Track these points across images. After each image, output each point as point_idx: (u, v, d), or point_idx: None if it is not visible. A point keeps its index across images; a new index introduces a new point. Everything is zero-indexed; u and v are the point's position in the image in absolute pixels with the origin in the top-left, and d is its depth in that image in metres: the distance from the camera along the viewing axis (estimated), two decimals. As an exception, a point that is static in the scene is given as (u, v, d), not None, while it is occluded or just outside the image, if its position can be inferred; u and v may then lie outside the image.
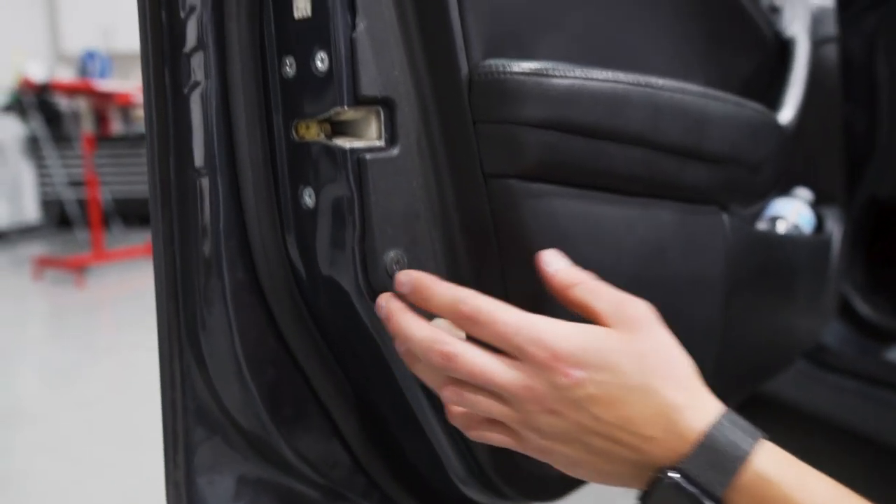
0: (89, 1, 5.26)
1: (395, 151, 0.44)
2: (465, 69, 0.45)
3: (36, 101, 4.36)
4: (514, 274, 0.48)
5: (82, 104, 4.21)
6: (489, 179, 0.47)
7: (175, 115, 0.47)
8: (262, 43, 0.46)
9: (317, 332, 0.51)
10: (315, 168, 0.44)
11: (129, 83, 4.25)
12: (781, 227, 0.93)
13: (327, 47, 0.42)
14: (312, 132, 0.45)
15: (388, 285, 0.44)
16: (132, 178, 4.85)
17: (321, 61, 0.42)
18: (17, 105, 4.39)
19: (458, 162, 0.47)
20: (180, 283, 0.49)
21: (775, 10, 0.89)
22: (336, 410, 0.54)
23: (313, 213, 0.45)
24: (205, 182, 0.47)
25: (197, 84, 0.46)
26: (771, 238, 0.82)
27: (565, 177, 0.49)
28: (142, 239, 4.23)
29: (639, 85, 0.52)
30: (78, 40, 5.17)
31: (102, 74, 4.47)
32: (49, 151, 4.53)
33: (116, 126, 5.04)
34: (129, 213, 4.85)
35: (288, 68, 0.45)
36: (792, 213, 0.96)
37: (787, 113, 0.79)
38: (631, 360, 0.39)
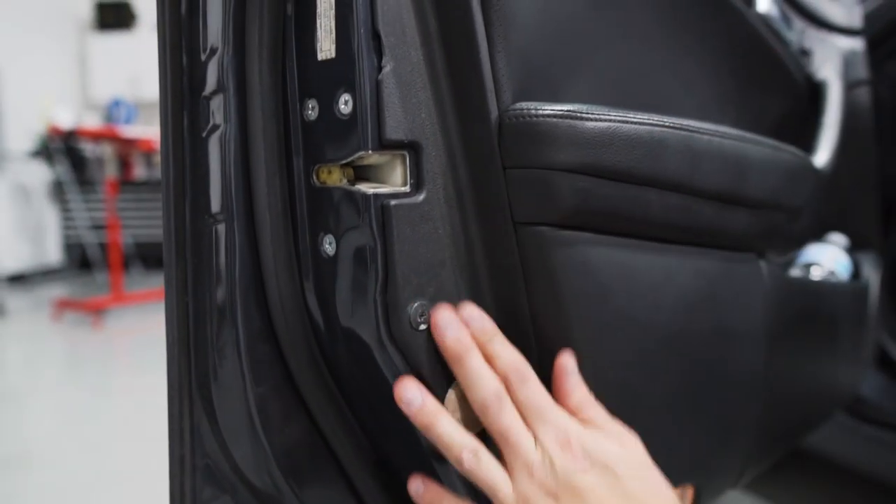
0: (118, 51, 5.44)
1: (420, 197, 0.42)
2: (495, 112, 0.43)
3: (63, 146, 4.46)
4: (545, 327, 0.45)
5: (107, 149, 4.30)
6: (519, 227, 0.44)
7: (192, 159, 0.46)
8: (283, 85, 0.44)
9: (334, 387, 0.48)
10: (336, 214, 0.42)
11: (152, 129, 4.34)
12: (817, 274, 0.89)
13: (352, 89, 0.40)
14: (334, 177, 0.43)
15: (411, 338, 0.41)
16: (153, 221, 4.91)
17: (345, 104, 0.40)
18: (45, 150, 4.50)
19: (487, 209, 0.44)
20: (192, 332, 0.47)
21: (806, 54, 0.87)
22: (353, 470, 0.50)
23: (333, 261, 0.43)
24: (221, 228, 0.44)
25: (216, 127, 0.44)
26: (808, 285, 0.78)
27: (600, 224, 0.46)
28: (161, 282, 4.23)
29: (676, 128, 0.50)
30: (106, 88, 5.32)
31: (128, 121, 4.58)
32: (73, 195, 4.62)
33: (139, 171, 5.13)
34: (150, 257, 4.90)
35: (310, 111, 0.43)
36: (827, 259, 0.93)
37: (822, 156, 0.77)
38: (633, 473, 0.42)
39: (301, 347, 0.46)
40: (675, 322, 0.52)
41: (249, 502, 0.49)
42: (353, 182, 0.42)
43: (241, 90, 0.44)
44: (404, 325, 0.41)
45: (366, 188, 0.41)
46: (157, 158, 5.11)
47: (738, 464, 0.64)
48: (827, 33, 0.96)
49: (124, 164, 4.99)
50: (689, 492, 0.58)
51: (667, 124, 0.49)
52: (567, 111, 0.43)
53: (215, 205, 0.45)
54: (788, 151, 0.64)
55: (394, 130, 0.40)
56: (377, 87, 0.40)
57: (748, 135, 0.58)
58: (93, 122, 4.93)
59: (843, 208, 0.96)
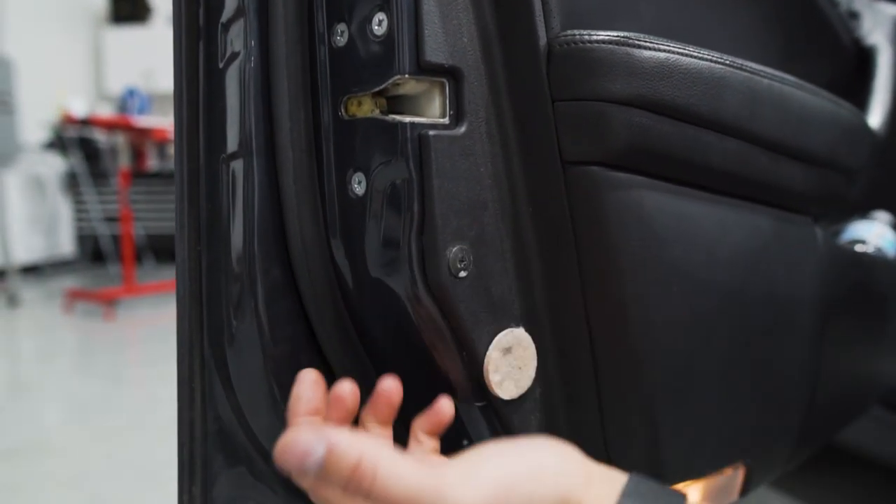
0: (132, 44, 5.45)
1: (461, 130, 0.38)
2: (543, 39, 0.39)
3: (76, 137, 4.46)
4: (594, 277, 0.41)
5: (120, 139, 4.28)
6: (568, 166, 0.40)
7: (208, 93, 0.42)
8: (310, 9, 0.40)
9: (361, 347, 0.44)
10: (367, 149, 0.38)
11: (166, 119, 4.33)
12: (862, 251, 0.84)
13: (387, 7, 0.36)
14: (365, 108, 0.39)
15: (450, 286, 0.37)
16: (165, 214, 4.90)
17: (379, 24, 0.36)
18: (58, 141, 4.50)
19: (533, 146, 0.40)
20: (205, 286, 0.43)
21: (854, 17, 0.82)
22: None
23: (363, 201, 0.38)
24: (238, 169, 0.40)
25: (235, 56, 0.40)
26: (862, 258, 0.73)
27: (654, 167, 0.42)
28: (172, 274, 4.22)
29: (736, 67, 0.45)
30: (120, 81, 5.32)
31: (141, 112, 4.56)
32: (86, 187, 4.61)
33: (152, 162, 5.12)
34: (162, 249, 4.89)
35: (339, 37, 0.39)
36: (873, 235, 0.88)
37: (874, 119, 0.72)
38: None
39: (325, 301, 0.42)
40: (730, 282, 0.47)
41: (267, 474, 0.45)
42: (385, 113, 0.38)
43: (262, 14, 0.40)
44: (442, 272, 0.37)
45: (401, 117, 0.37)
46: (171, 150, 5.11)
47: (790, 445, 0.60)
48: (875, -2, 0.91)
49: (137, 154, 4.99)
50: (741, 471, 0.54)
51: (727, 62, 0.44)
52: (623, 38, 0.39)
53: (232, 143, 0.41)
54: (847, 108, 0.60)
55: (433, 52, 0.36)
56: (415, 3, 0.36)
57: (808, 84, 0.53)
58: (106, 113, 4.92)
59: (891, 181, 0.90)
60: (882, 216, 0.93)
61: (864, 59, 0.80)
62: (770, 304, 0.52)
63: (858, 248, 0.86)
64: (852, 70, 0.80)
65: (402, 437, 0.46)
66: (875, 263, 0.75)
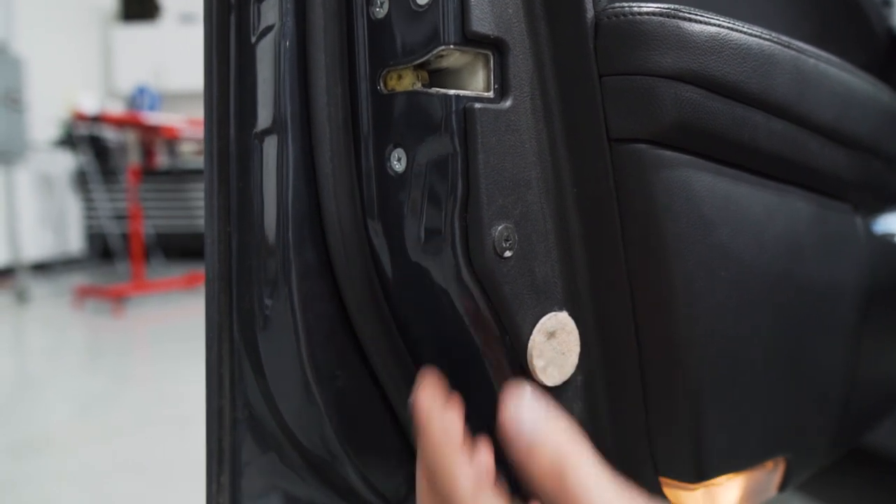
0: (142, 42, 5.46)
1: (507, 104, 0.36)
2: (590, 11, 0.37)
3: (86, 134, 4.47)
4: (640, 259, 0.39)
5: (130, 136, 4.30)
6: (614, 144, 0.38)
7: (239, 67, 0.41)
8: None
9: (398, 334, 0.42)
10: (408, 123, 0.37)
11: (176, 117, 4.33)
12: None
13: None
14: (406, 82, 0.37)
15: (495, 267, 0.36)
16: (175, 212, 4.91)
17: None
18: (69, 139, 4.51)
19: (578, 123, 0.38)
20: (235, 267, 0.42)
21: (888, 4, 0.80)
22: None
23: (403, 179, 0.37)
24: (272, 145, 0.39)
25: (269, 29, 0.39)
26: (899, 251, 0.71)
27: (702, 146, 0.40)
28: (181, 271, 4.24)
29: (784, 45, 0.44)
30: (130, 79, 5.34)
31: (151, 109, 4.58)
32: (96, 185, 4.62)
33: (162, 160, 5.13)
34: (171, 247, 4.90)
35: (378, 8, 0.37)
36: (906, 230, 0.86)
37: None
38: None
39: (361, 285, 0.40)
40: (775, 268, 0.46)
41: (298, 464, 0.44)
42: (428, 86, 0.37)
43: None
44: (487, 251, 0.35)
45: (445, 90, 0.35)
46: (180, 147, 5.11)
47: (829, 440, 0.58)
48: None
49: (147, 152, 5.00)
50: (782, 466, 0.52)
51: (775, 39, 0.43)
52: (673, 9, 0.38)
53: (265, 119, 0.39)
54: (887, 92, 0.58)
55: (479, 22, 0.35)
56: None
57: (850, 65, 0.52)
58: (116, 110, 4.94)
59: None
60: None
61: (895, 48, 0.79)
62: (811, 293, 0.50)
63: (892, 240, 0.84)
64: (884, 58, 0.79)
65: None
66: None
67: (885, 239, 0.68)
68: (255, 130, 0.40)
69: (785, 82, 0.43)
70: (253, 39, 0.40)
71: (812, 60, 0.46)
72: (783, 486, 0.54)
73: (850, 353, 0.58)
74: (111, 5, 5.62)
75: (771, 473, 0.52)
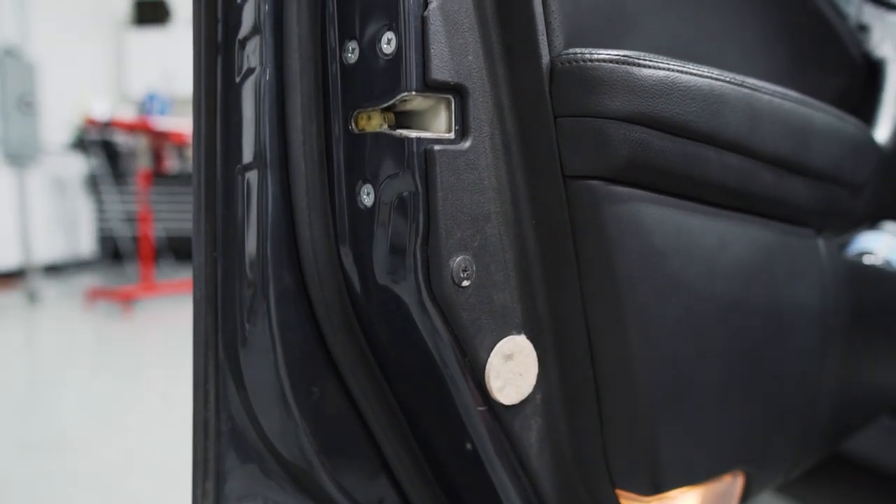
0: (153, 46, 5.53)
1: (466, 145, 0.39)
2: (546, 57, 0.40)
3: (98, 139, 4.54)
4: (594, 287, 0.42)
5: (140, 141, 4.36)
6: (569, 180, 0.41)
7: (225, 106, 0.44)
8: (322, 27, 0.42)
9: (369, 351, 0.46)
10: (376, 161, 0.40)
11: (185, 121, 4.39)
12: (870, 262, 0.85)
13: (395, 27, 0.38)
14: (374, 123, 0.40)
15: (453, 295, 0.39)
16: (184, 215, 4.97)
17: (388, 43, 0.38)
18: (80, 143, 4.58)
19: (535, 160, 0.41)
20: (220, 290, 0.45)
21: (864, 29, 0.82)
22: (386, 442, 0.48)
23: (371, 212, 0.40)
24: (253, 178, 0.42)
25: (251, 72, 0.42)
26: (867, 270, 0.74)
27: (654, 181, 0.43)
28: (190, 274, 4.28)
29: (736, 84, 0.46)
30: (141, 83, 5.41)
31: (162, 114, 4.65)
32: (107, 188, 4.69)
33: (171, 164, 5.20)
34: (180, 249, 4.96)
35: (350, 54, 0.41)
36: (882, 247, 0.88)
37: (882, 132, 0.72)
38: None
39: (335, 307, 0.44)
40: (730, 293, 0.48)
41: (277, 473, 0.47)
42: (393, 128, 0.40)
43: (277, 33, 0.42)
44: (446, 281, 0.38)
45: (408, 132, 0.38)
46: (189, 152, 5.17)
47: (791, 454, 0.61)
48: (886, 11, 0.91)
49: (157, 156, 5.07)
50: (741, 479, 0.55)
51: (727, 79, 0.46)
52: (623, 56, 0.40)
53: (248, 154, 0.43)
54: (851, 123, 0.60)
55: (439, 70, 0.38)
56: (422, 23, 0.37)
57: (811, 100, 0.54)
58: (127, 115, 5.01)
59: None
60: (891, 227, 0.93)
61: (872, 72, 0.81)
62: (771, 314, 0.53)
63: (866, 259, 0.86)
64: (861, 83, 0.81)
65: (409, 434, 0.48)
66: (883, 275, 0.75)
67: (850, 259, 0.71)
68: (238, 164, 0.43)
69: (737, 119, 0.46)
70: (237, 80, 0.43)
71: (767, 97, 0.49)
72: (744, 497, 0.57)
73: (814, 370, 0.60)
74: (124, 10, 5.70)
75: (730, 486, 0.54)
